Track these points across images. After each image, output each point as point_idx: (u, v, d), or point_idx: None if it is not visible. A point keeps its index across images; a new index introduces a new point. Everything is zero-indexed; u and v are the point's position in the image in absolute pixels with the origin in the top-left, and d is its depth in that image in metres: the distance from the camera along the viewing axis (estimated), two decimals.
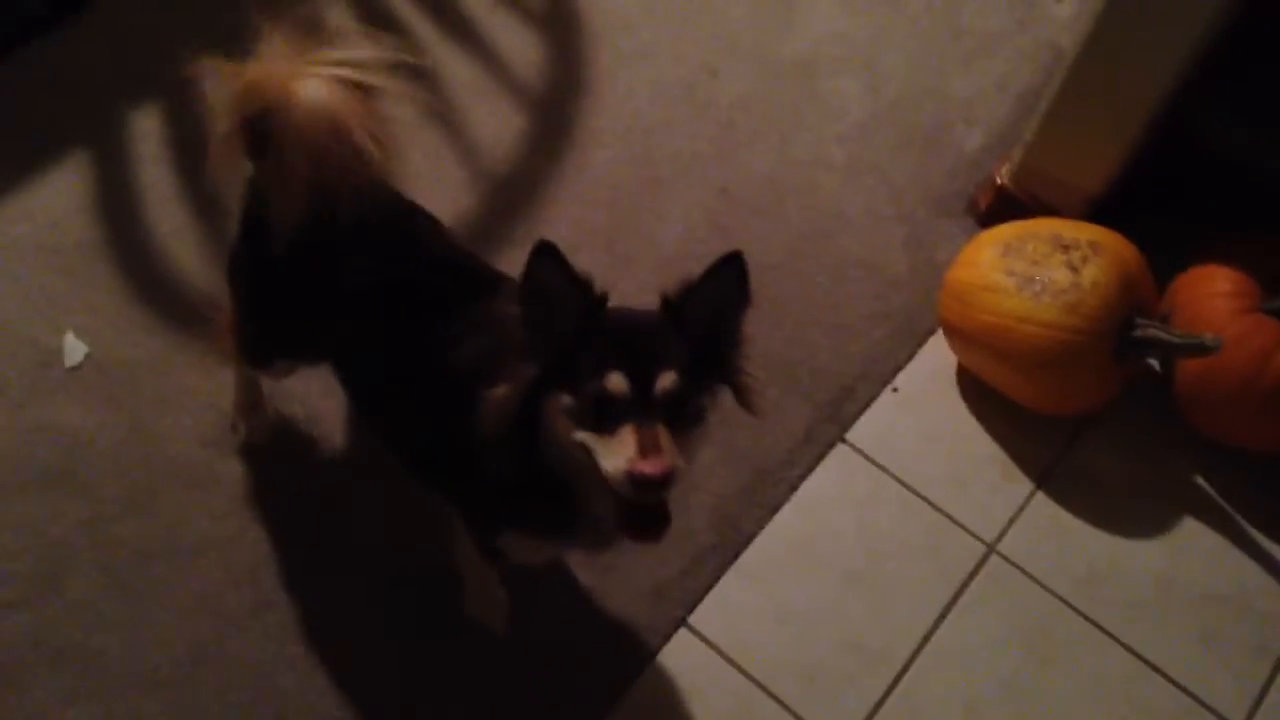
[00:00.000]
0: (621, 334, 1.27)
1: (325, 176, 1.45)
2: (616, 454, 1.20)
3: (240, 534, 1.86)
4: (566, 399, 1.25)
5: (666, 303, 1.30)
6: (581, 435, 1.25)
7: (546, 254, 1.24)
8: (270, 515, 1.88)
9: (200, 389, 1.98)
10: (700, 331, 1.30)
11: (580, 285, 1.27)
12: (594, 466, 1.25)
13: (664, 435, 1.21)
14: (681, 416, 1.25)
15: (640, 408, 1.22)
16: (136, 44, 2.42)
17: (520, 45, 2.54)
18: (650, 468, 1.18)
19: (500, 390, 1.30)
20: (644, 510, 1.25)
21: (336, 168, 1.45)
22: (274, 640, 1.77)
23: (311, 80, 1.45)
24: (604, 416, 1.23)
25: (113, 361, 2.00)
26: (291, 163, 1.44)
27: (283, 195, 1.46)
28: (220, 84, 1.51)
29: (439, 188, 2.29)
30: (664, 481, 1.19)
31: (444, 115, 2.42)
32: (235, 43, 1.49)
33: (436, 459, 1.54)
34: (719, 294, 1.30)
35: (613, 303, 1.31)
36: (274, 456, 1.94)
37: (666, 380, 1.23)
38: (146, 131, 2.31)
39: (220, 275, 2.10)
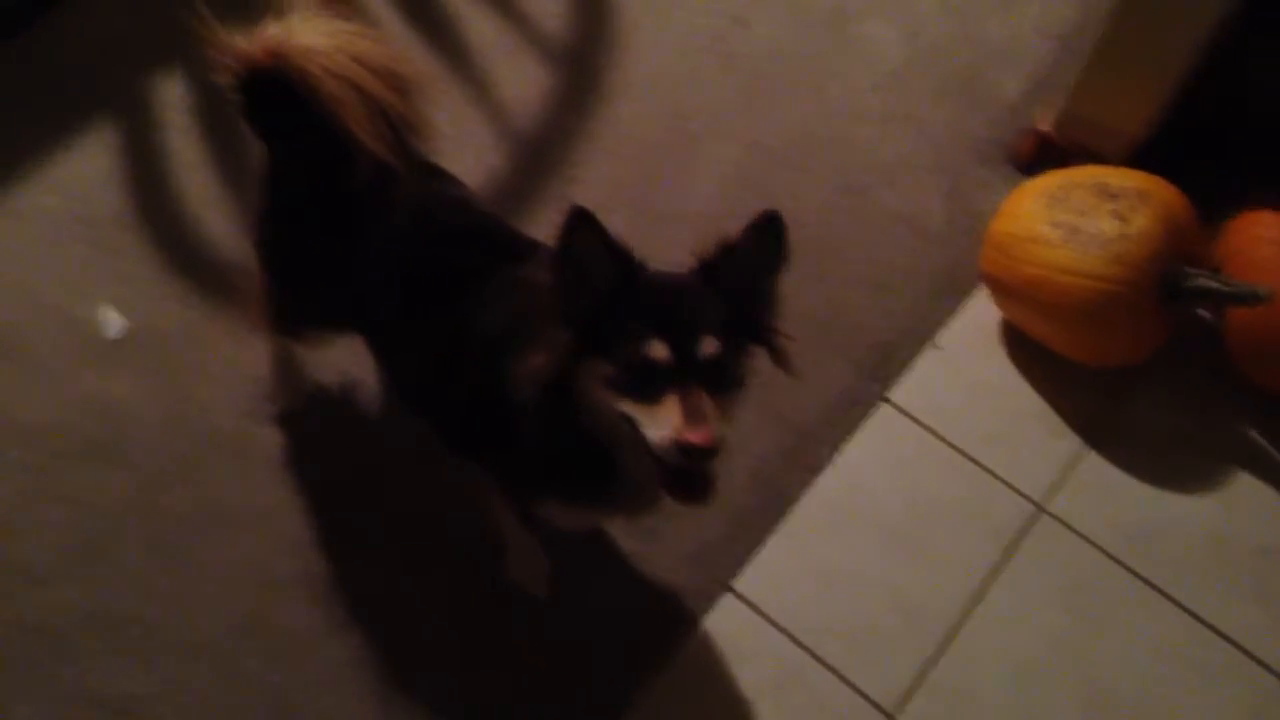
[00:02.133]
0: (660, 299, 1.25)
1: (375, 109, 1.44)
2: (661, 423, 1.19)
3: (284, 504, 1.86)
4: (605, 366, 1.24)
5: (703, 264, 1.28)
6: (623, 404, 1.23)
7: (582, 221, 1.21)
8: (313, 484, 1.88)
9: (238, 359, 1.98)
10: (737, 293, 1.28)
11: (618, 252, 1.25)
12: (634, 433, 1.23)
13: (708, 402, 1.20)
14: (722, 381, 1.24)
15: (682, 374, 1.20)
16: (160, 11, 2.38)
17: None
18: (697, 437, 1.17)
19: (537, 358, 1.28)
20: (689, 475, 1.24)
21: (378, 101, 1.44)
22: (320, 609, 1.78)
23: (308, 34, 1.44)
24: (646, 384, 1.21)
25: (149, 333, 2.00)
26: (342, 109, 1.43)
27: (364, 141, 1.45)
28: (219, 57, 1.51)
29: (465, 148, 2.25)
30: (711, 450, 1.18)
31: (468, 74, 2.37)
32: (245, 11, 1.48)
33: (471, 429, 1.53)
34: (756, 254, 1.28)
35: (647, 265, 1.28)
36: (315, 425, 1.94)
37: (709, 346, 1.21)
38: (172, 99, 2.28)
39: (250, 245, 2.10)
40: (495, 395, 1.35)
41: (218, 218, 2.14)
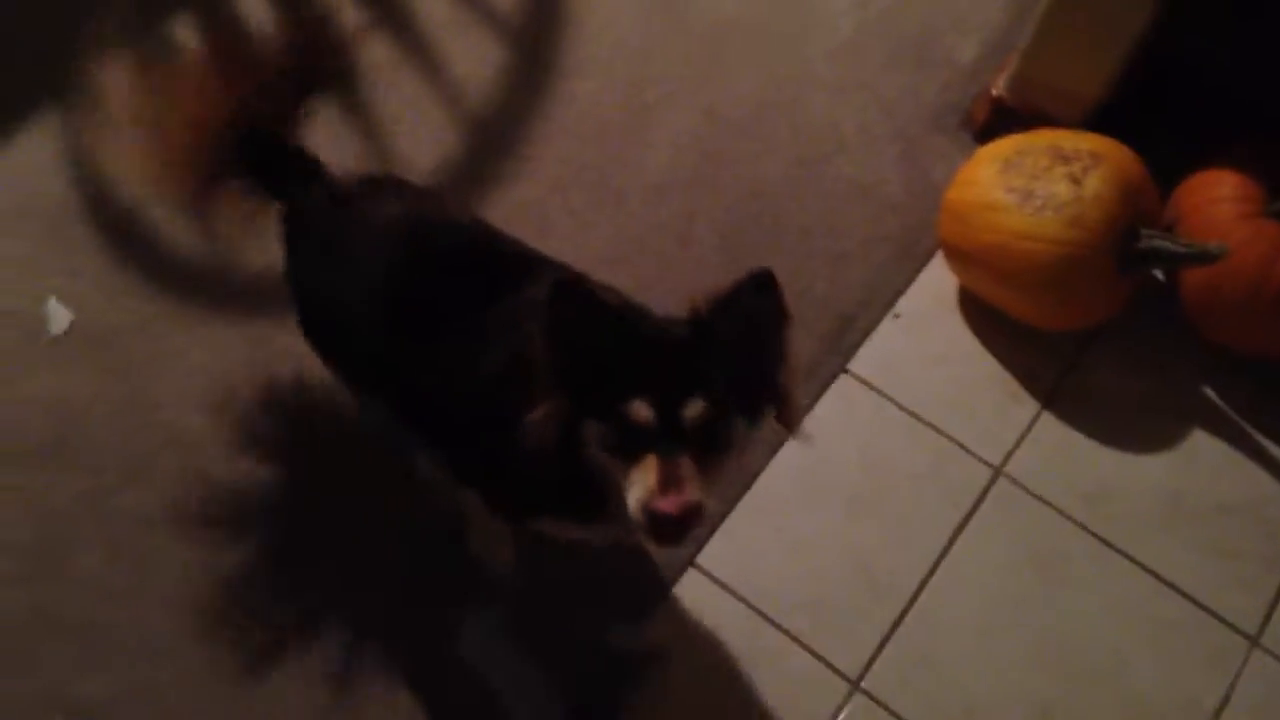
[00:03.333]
0: (649, 356, 1.20)
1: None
2: (635, 486, 1.16)
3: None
4: (598, 427, 1.20)
5: (697, 319, 1.21)
6: (611, 462, 1.19)
7: (567, 295, 1.16)
8: (272, 478, 1.86)
9: (190, 352, 1.95)
10: (735, 351, 1.20)
11: (612, 318, 1.19)
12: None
13: (687, 467, 1.15)
14: (712, 445, 1.19)
15: (666, 437, 1.16)
16: None
17: None
18: (667, 505, 1.13)
19: (537, 415, 1.23)
20: (667, 524, 1.18)
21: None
22: (282, 602, 1.76)
23: None
24: (629, 443, 1.17)
25: (99, 327, 1.97)
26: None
27: None
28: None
29: (419, 131, 2.22)
30: (681, 521, 1.14)
31: (420, 54, 2.34)
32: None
33: (470, 459, 1.51)
34: (751, 311, 1.20)
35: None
36: (272, 419, 1.91)
37: (694, 409, 1.16)
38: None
39: (203, 234, 2.07)
40: (494, 432, 1.30)
41: (168, 207, 2.10)
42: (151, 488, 1.83)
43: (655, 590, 1.81)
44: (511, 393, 1.25)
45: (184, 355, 1.95)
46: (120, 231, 2.08)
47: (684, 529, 1.15)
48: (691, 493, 1.14)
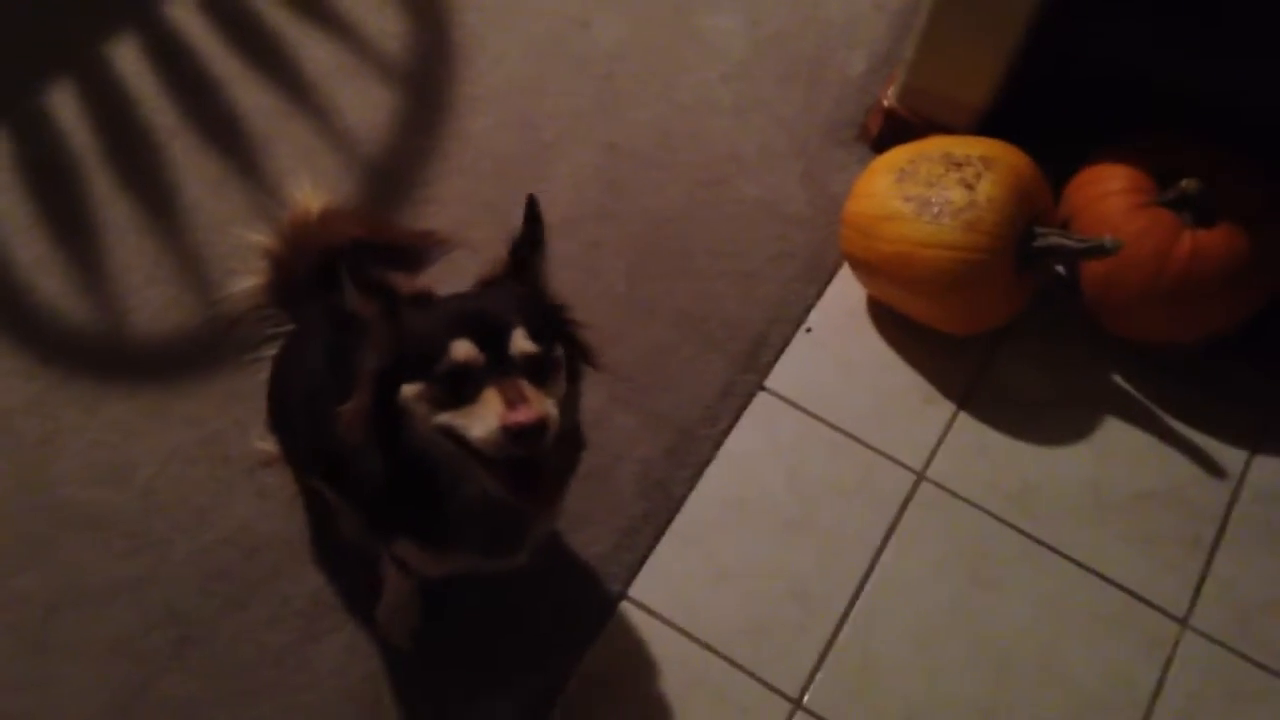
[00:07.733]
0: (458, 310, 1.25)
1: None
2: (484, 417, 1.16)
3: (151, 572, 1.76)
4: (417, 387, 1.21)
5: (505, 269, 1.31)
6: (442, 417, 1.20)
7: (364, 250, 1.25)
8: (178, 549, 1.79)
9: (85, 427, 1.87)
10: (536, 283, 1.31)
11: (374, 289, 1.24)
12: (460, 454, 1.21)
13: (527, 387, 1.18)
14: (540, 372, 1.22)
15: (497, 370, 1.19)
16: None
17: (379, 18, 2.43)
18: (521, 416, 1.14)
19: (352, 402, 1.26)
20: (525, 468, 1.20)
21: None
22: (199, 677, 1.69)
23: None
24: (462, 390, 1.19)
25: None
26: None
27: None
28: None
29: (313, 179, 2.17)
30: (538, 429, 1.15)
31: (310, 103, 2.30)
32: None
33: (329, 465, 1.50)
34: (531, 241, 1.30)
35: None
36: (174, 490, 1.84)
37: (519, 339, 1.20)
38: None
39: (90, 305, 1.99)
40: (332, 432, 1.31)
41: (54, 280, 2.03)
42: (53, 568, 1.75)
43: (587, 627, 1.77)
44: (329, 390, 1.32)
45: (79, 431, 1.87)
46: (4, 308, 1.99)
47: (539, 442, 1.16)
48: (540, 404, 1.17)
